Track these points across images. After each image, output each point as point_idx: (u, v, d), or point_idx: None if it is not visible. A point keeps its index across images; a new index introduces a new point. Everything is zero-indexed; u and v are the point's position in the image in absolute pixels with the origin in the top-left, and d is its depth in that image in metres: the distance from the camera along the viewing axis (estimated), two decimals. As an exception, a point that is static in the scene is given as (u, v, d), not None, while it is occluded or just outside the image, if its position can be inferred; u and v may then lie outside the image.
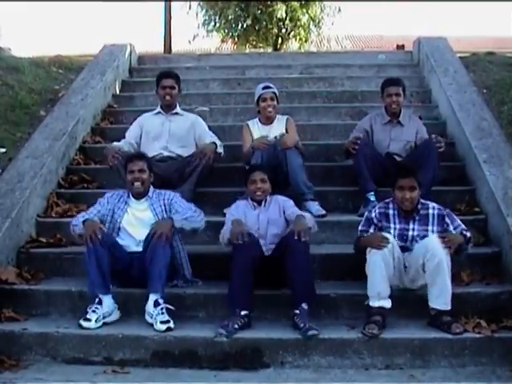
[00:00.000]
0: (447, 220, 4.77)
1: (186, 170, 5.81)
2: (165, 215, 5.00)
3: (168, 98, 6.17)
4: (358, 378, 4.21)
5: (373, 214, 4.85)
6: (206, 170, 5.85)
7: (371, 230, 4.79)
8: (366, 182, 5.80)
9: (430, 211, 4.80)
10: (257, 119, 6.26)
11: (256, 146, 5.84)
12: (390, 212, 4.83)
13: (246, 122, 6.32)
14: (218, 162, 6.09)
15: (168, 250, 4.74)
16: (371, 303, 4.50)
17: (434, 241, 4.51)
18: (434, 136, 5.95)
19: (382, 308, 4.49)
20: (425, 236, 4.70)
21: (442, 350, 4.34)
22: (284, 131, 6.12)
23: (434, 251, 4.44)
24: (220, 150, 6.02)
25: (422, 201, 4.85)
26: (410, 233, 4.77)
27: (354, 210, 5.87)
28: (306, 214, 4.96)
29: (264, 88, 6.17)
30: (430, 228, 4.76)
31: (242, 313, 4.52)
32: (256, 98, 6.22)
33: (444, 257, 4.43)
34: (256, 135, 6.10)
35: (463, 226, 4.77)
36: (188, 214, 4.96)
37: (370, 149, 5.93)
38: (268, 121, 6.18)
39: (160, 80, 6.24)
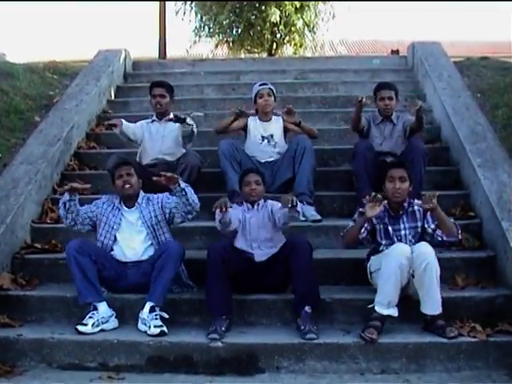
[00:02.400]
0: (428, 217, 4.78)
1: (174, 174, 5.79)
2: (153, 220, 5.03)
3: (159, 106, 6.26)
4: (353, 383, 4.21)
5: None
6: (194, 173, 5.90)
7: (366, 225, 4.78)
8: (364, 187, 5.75)
9: (416, 207, 4.82)
10: (256, 116, 6.34)
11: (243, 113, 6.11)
12: (381, 214, 4.82)
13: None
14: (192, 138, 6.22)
15: (179, 266, 4.82)
16: (379, 310, 4.47)
17: (422, 246, 4.53)
18: (407, 101, 5.91)
19: (389, 316, 4.48)
20: (416, 234, 4.76)
21: (437, 355, 4.35)
22: (282, 129, 6.23)
23: (423, 256, 4.44)
24: (191, 121, 6.12)
25: (409, 199, 4.87)
26: (403, 232, 4.79)
27: (349, 214, 5.86)
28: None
29: (261, 85, 6.29)
30: (419, 224, 4.79)
31: (223, 316, 4.54)
32: (253, 96, 6.29)
33: (432, 261, 4.43)
34: (253, 128, 6.22)
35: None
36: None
37: (371, 153, 5.89)
38: (266, 117, 6.26)
39: (151, 89, 6.34)
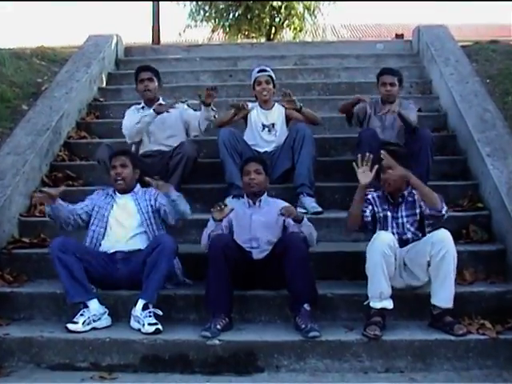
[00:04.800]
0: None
1: (170, 164, 5.82)
2: (149, 210, 5.08)
3: (148, 92, 6.16)
4: (356, 382, 4.20)
5: (369, 196, 4.90)
6: (190, 163, 5.86)
7: (370, 208, 4.83)
8: None
9: (416, 196, 4.84)
10: (257, 103, 6.30)
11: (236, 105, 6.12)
12: (383, 200, 4.87)
13: (247, 102, 6.36)
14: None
15: (172, 261, 4.81)
16: (373, 304, 4.48)
17: (442, 233, 4.49)
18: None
19: (384, 309, 4.48)
20: (414, 221, 4.79)
21: (444, 353, 4.33)
22: (283, 118, 6.25)
23: (442, 244, 4.42)
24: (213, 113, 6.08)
25: (410, 189, 4.87)
26: (400, 220, 4.82)
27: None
28: (309, 224, 4.91)
29: (259, 71, 6.25)
30: (417, 211, 4.81)
31: (222, 314, 4.53)
32: (252, 82, 6.28)
33: (451, 250, 4.41)
34: (254, 117, 6.21)
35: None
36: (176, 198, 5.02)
37: (377, 142, 5.84)
38: (266, 105, 6.24)
39: (137, 74, 6.25)
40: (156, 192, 5.10)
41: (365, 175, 4.71)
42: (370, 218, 4.84)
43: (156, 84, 6.22)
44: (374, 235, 4.61)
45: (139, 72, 6.24)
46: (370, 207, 4.86)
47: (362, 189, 4.76)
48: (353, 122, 6.25)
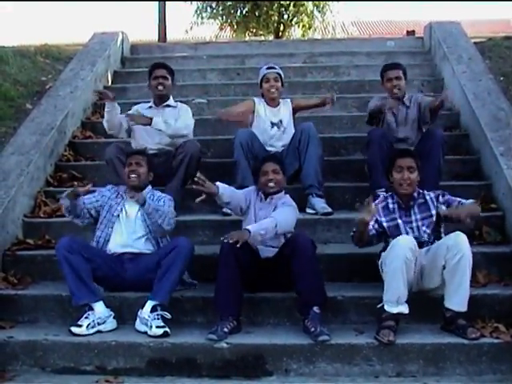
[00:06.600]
0: (446, 197, 4.80)
1: (173, 163, 5.84)
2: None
3: (161, 87, 6.17)
4: (367, 387, 4.20)
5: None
6: (194, 162, 5.85)
7: (372, 223, 4.75)
8: (379, 178, 5.69)
9: (427, 197, 4.83)
10: (263, 99, 6.30)
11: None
12: (390, 206, 4.85)
13: (252, 98, 6.37)
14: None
15: (187, 265, 4.80)
16: (388, 309, 4.45)
17: (458, 237, 4.46)
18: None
19: (400, 314, 4.46)
20: (430, 223, 4.75)
21: (457, 357, 4.31)
22: (290, 113, 6.26)
23: (458, 247, 4.39)
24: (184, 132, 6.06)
25: (419, 190, 4.86)
26: (414, 224, 4.78)
27: (361, 207, 5.86)
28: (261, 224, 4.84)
29: (268, 68, 6.26)
30: (433, 212, 4.78)
31: (230, 317, 4.52)
32: (259, 80, 6.28)
33: (467, 254, 4.39)
34: (261, 113, 6.18)
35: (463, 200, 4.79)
36: (161, 209, 5.02)
37: (387, 142, 5.85)
38: (274, 103, 6.24)
39: (152, 71, 6.26)
40: (161, 198, 5.15)
41: (369, 214, 4.63)
42: (374, 232, 4.80)
43: (170, 82, 6.24)
44: (394, 240, 4.57)
45: (154, 69, 6.27)
46: (374, 219, 4.78)
47: (364, 223, 4.67)
48: (373, 122, 6.21)
